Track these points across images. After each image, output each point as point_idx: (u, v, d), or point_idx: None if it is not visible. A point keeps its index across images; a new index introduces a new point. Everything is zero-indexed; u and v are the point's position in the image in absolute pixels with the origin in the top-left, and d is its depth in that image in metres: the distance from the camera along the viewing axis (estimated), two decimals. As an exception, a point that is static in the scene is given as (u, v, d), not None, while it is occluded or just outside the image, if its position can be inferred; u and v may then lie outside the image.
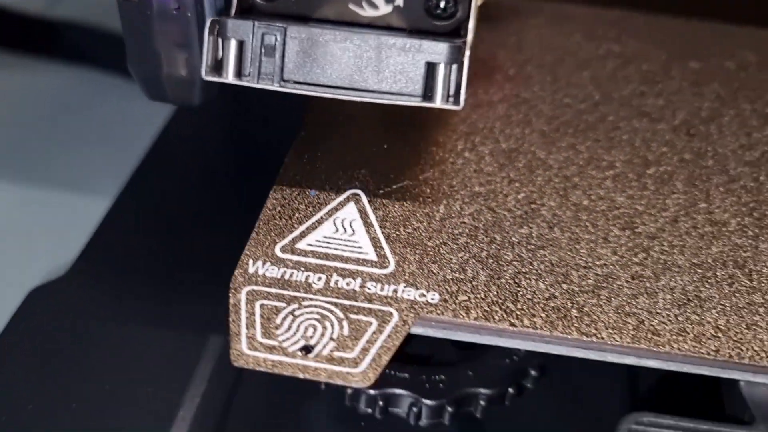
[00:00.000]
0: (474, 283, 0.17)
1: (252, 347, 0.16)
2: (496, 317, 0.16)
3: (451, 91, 0.17)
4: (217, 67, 0.18)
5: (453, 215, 0.19)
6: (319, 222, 0.18)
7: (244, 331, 0.16)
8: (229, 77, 0.17)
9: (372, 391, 0.18)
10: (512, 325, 0.16)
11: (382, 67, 0.17)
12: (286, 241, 0.18)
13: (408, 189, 0.19)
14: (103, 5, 0.37)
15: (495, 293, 0.17)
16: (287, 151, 0.21)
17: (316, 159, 0.20)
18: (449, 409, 0.18)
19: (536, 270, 0.18)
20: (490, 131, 0.21)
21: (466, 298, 0.17)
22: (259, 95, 0.21)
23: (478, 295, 0.17)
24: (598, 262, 0.18)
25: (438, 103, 0.17)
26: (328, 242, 0.18)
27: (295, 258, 0.17)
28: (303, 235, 0.18)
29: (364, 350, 0.16)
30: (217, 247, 0.22)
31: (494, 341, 0.16)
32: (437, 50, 0.17)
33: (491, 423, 0.19)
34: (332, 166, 0.20)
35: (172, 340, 0.20)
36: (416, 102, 0.17)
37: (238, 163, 0.27)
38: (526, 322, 0.16)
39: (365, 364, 0.15)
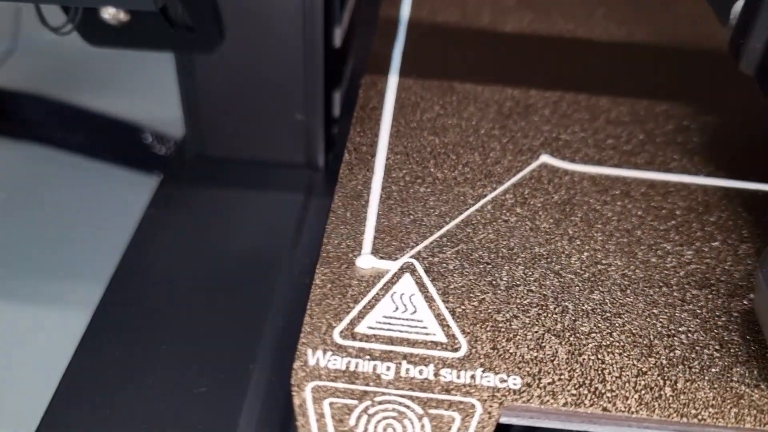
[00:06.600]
0: (555, 362, 0.15)
1: None
2: (587, 402, 0.15)
3: None
4: None
5: (518, 282, 0.17)
6: (376, 299, 0.16)
7: None
8: None
9: None
10: (605, 410, 0.15)
11: None
12: (343, 324, 0.16)
13: (464, 254, 0.18)
14: (34, 77, 0.37)
15: (579, 373, 0.15)
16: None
17: (359, 222, 0.18)
18: None
19: (617, 342, 0.16)
20: (537, 181, 0.20)
21: (551, 380, 0.15)
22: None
23: (563, 376, 0.15)
24: (681, 329, 0.16)
25: None
26: (390, 323, 0.16)
27: (358, 344, 0.15)
28: (361, 315, 0.16)
29: None
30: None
31: (587, 428, 0.15)
32: None
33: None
34: (380, 231, 0.18)
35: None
36: None
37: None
38: (619, 405, 0.15)
39: None
